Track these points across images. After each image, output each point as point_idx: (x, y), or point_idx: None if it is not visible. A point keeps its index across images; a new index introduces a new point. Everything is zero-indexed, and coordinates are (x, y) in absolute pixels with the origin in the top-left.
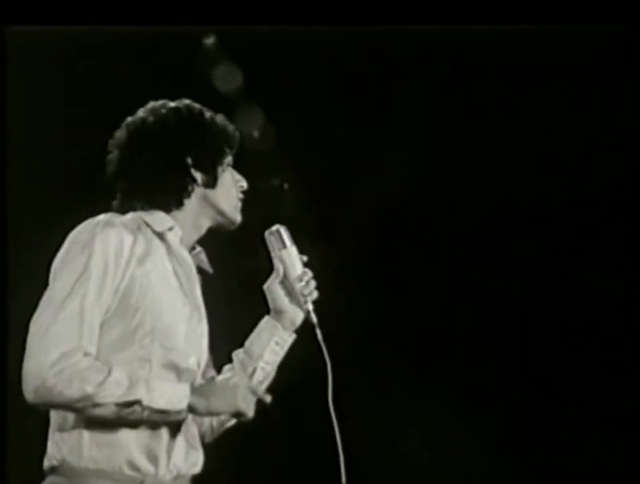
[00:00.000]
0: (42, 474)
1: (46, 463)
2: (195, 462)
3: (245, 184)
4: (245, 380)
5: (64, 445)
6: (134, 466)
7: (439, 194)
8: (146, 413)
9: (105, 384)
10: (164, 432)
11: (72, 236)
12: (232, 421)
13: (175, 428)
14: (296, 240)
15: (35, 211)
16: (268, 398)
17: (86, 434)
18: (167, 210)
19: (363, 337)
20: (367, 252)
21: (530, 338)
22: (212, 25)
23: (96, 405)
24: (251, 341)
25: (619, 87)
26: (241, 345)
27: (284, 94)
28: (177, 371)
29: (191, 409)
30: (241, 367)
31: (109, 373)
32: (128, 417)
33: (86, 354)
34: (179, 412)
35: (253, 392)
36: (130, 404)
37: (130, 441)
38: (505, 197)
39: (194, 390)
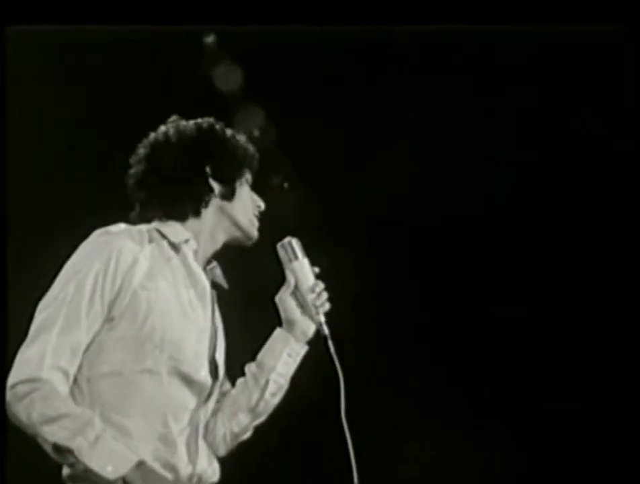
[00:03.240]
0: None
1: (66, 471)
2: (215, 472)
3: (262, 205)
4: None
5: None
6: None
7: (439, 194)
8: (81, 468)
9: (55, 419)
10: (179, 443)
11: (81, 245)
12: (247, 435)
13: (194, 436)
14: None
15: (35, 210)
16: None
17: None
18: (184, 218)
19: (376, 348)
20: (367, 252)
21: (543, 343)
22: (212, 25)
23: (38, 436)
24: (263, 353)
25: (619, 87)
26: (254, 357)
27: (284, 93)
28: (188, 383)
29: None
30: (253, 380)
31: (61, 403)
32: (65, 461)
33: (56, 369)
34: (110, 480)
35: None
36: (63, 450)
37: (145, 449)
38: (510, 196)
39: (143, 468)
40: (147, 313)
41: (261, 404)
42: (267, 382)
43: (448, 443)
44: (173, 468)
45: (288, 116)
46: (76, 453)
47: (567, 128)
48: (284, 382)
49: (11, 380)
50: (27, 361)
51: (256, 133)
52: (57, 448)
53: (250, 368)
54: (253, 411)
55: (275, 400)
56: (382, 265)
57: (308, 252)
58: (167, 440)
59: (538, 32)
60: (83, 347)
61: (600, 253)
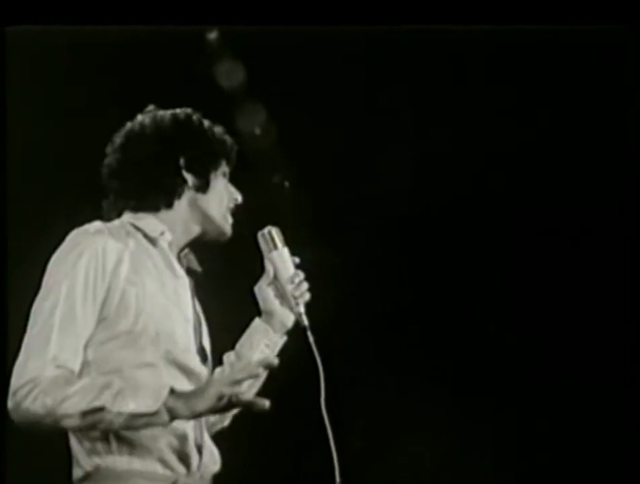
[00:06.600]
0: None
1: (78, 472)
2: (217, 460)
3: (239, 198)
4: (224, 376)
5: (96, 451)
6: (167, 465)
7: (441, 193)
8: (120, 420)
9: (68, 394)
10: (189, 431)
11: (61, 247)
12: (224, 423)
13: (199, 427)
14: (296, 238)
15: (34, 210)
16: (265, 404)
17: (114, 438)
18: (156, 209)
19: (356, 339)
20: (368, 251)
21: (528, 334)
22: (213, 25)
23: (63, 417)
24: (242, 343)
25: (619, 87)
26: (233, 347)
27: (286, 91)
28: (186, 373)
29: (172, 412)
30: (231, 369)
31: (72, 383)
32: (98, 426)
33: (58, 367)
34: (153, 414)
35: (232, 382)
36: (93, 411)
37: (160, 440)
38: (503, 198)
39: (175, 393)
40: (138, 309)
41: None
42: None
43: (430, 434)
44: (185, 458)
45: (290, 114)
46: (108, 407)
47: (568, 128)
48: (261, 373)
49: (13, 386)
50: (28, 368)
51: (257, 131)
52: (85, 413)
53: (229, 357)
54: None
55: (253, 391)
56: (380, 261)
57: (306, 248)
58: (177, 431)
59: (538, 32)
60: (82, 343)
61: (601, 254)
